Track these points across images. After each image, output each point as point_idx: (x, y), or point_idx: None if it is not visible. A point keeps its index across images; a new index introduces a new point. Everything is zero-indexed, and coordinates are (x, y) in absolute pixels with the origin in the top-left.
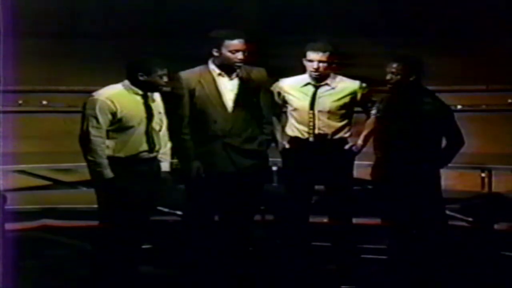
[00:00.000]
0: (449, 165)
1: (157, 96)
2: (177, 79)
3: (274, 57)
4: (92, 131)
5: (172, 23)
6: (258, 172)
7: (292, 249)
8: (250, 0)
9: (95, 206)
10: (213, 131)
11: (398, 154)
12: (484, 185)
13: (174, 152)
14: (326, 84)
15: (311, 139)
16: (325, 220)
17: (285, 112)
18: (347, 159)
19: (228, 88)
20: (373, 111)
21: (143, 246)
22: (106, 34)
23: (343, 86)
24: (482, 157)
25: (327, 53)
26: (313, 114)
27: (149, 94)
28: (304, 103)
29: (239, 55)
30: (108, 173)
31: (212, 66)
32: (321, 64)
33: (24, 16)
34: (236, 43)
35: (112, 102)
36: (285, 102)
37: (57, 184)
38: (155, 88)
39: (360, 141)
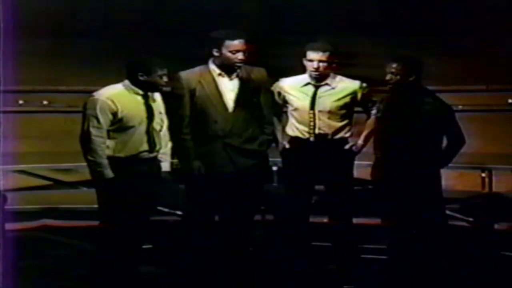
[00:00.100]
0: (450, 165)
1: (157, 96)
2: (177, 79)
3: (274, 57)
4: (93, 131)
5: (172, 23)
6: (258, 172)
7: (292, 249)
8: (250, 0)
9: (95, 206)
10: (214, 131)
11: (398, 154)
12: (484, 185)
13: (175, 152)
14: (326, 84)
15: (311, 139)
16: (325, 220)
17: (286, 112)
18: (347, 159)
19: (229, 88)
20: (373, 111)
21: (143, 246)
22: (106, 34)
23: (343, 86)
24: (482, 157)
25: (327, 53)
26: (314, 114)
27: (149, 94)
28: (305, 103)
29: (240, 56)
30: (109, 173)
31: (212, 66)
32: (321, 64)
33: (24, 16)
34: (237, 43)
35: (113, 102)
36: (285, 102)
37: (57, 184)
38: (156, 88)
39: (360, 141)
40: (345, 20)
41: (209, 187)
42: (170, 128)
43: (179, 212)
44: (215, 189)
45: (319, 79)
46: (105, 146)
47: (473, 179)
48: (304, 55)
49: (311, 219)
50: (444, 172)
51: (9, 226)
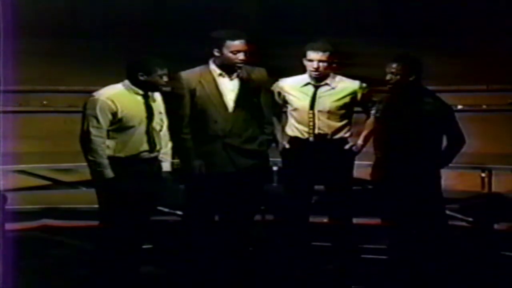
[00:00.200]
0: (450, 165)
1: (157, 96)
2: (177, 79)
3: (274, 57)
4: (93, 131)
5: (172, 23)
6: (258, 172)
7: (292, 249)
8: (250, 0)
9: (95, 206)
10: (214, 131)
11: (398, 154)
12: (484, 185)
13: (175, 152)
14: (326, 84)
15: (311, 139)
16: (325, 220)
17: (285, 112)
18: (347, 159)
19: (229, 88)
20: (373, 111)
21: (143, 246)
22: (106, 34)
23: (343, 86)
24: (482, 157)
25: (327, 53)
26: (313, 114)
27: (149, 94)
28: (304, 103)
29: (240, 56)
30: (109, 173)
31: (212, 66)
32: (321, 64)
33: (24, 16)
34: (237, 43)
35: (113, 102)
36: (285, 102)
37: (57, 184)
38: (156, 88)
39: (360, 141)
40: (345, 20)
41: (209, 187)
42: (170, 128)
43: (179, 212)
44: (215, 189)
45: (319, 79)
46: (105, 146)
47: (473, 179)
48: (304, 55)
49: (311, 219)
50: (444, 172)
51: (9, 226)
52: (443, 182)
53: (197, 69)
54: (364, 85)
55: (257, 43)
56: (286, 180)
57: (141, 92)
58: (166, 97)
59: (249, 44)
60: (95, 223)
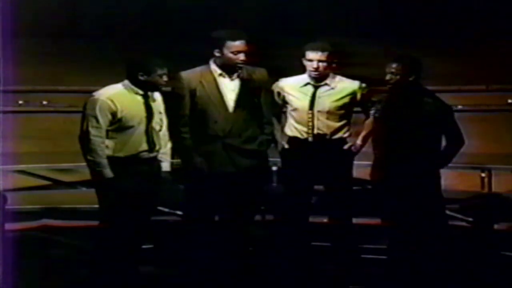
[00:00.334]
0: (449, 165)
1: (157, 95)
2: (178, 79)
3: (274, 57)
4: (92, 131)
5: (172, 23)
6: (258, 172)
7: (292, 249)
8: (250, 0)
9: (95, 206)
10: (214, 131)
11: (398, 154)
12: (484, 185)
13: (175, 152)
14: (326, 84)
15: (310, 139)
16: (325, 220)
17: (285, 112)
18: (346, 159)
19: (229, 88)
20: (373, 111)
21: (143, 246)
22: (106, 34)
23: (342, 86)
24: (482, 157)
25: (326, 53)
26: (312, 114)
27: (149, 93)
28: (304, 103)
29: (241, 56)
30: (108, 172)
31: (213, 66)
32: (320, 64)
33: (24, 16)
34: (238, 44)
35: (113, 102)
36: (285, 102)
37: (57, 184)
38: (156, 87)
39: (359, 141)
40: (345, 20)
41: (209, 187)
42: (170, 127)
43: (179, 212)
44: (215, 189)
45: (319, 79)
46: (105, 146)
47: (473, 179)
48: (304, 55)
49: (311, 219)
50: (444, 172)
51: (9, 226)
52: (443, 182)
53: (198, 69)
54: (363, 85)
55: (257, 43)
56: (285, 180)
57: (141, 92)
58: (166, 97)
59: (250, 45)
60: (95, 223)
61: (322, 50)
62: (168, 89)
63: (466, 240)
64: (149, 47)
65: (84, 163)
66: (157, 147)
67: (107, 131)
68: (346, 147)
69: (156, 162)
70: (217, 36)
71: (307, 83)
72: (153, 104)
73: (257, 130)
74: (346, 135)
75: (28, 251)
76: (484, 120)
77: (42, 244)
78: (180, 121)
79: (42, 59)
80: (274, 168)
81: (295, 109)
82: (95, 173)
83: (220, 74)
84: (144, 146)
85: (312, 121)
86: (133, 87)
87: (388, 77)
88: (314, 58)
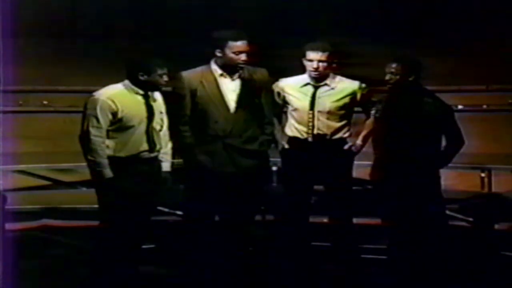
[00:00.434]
0: (449, 165)
1: (158, 95)
2: (178, 79)
3: (274, 57)
4: (92, 130)
5: (172, 23)
6: (258, 172)
7: (292, 249)
8: (250, 0)
9: (95, 206)
10: (214, 131)
11: (398, 154)
12: (484, 185)
13: (176, 151)
14: (326, 84)
15: (309, 139)
16: (325, 220)
17: (285, 112)
18: (346, 159)
19: (230, 88)
20: (373, 111)
21: (143, 246)
22: (106, 34)
23: (342, 87)
24: (482, 157)
25: (326, 53)
26: (313, 114)
27: (150, 93)
28: (304, 103)
29: (243, 57)
30: (108, 172)
31: (214, 67)
32: (320, 64)
33: (24, 16)
34: (240, 44)
35: (113, 101)
36: (285, 102)
37: (57, 184)
38: (156, 87)
39: (359, 141)
40: (345, 20)
41: (209, 187)
42: (171, 127)
43: (179, 212)
44: (215, 189)
45: (319, 79)
46: (105, 146)
47: (472, 179)
48: (304, 55)
49: (311, 219)
50: (443, 172)
51: (9, 226)
52: (443, 182)
53: (199, 69)
54: (363, 85)
55: (257, 43)
56: (285, 180)
57: (141, 92)
58: (167, 97)
59: (251, 45)
60: (95, 223)
61: (323, 50)
62: (169, 89)
63: (466, 240)
64: (149, 47)
65: (84, 163)
66: (157, 147)
67: (108, 131)
68: (346, 147)
69: (156, 162)
70: (219, 36)
71: (307, 83)
72: (153, 104)
73: (257, 130)
74: (346, 135)
75: (28, 251)
76: (484, 120)
77: (42, 244)
78: (181, 120)
79: (42, 59)
80: (274, 168)
81: (295, 109)
82: (95, 173)
83: (221, 74)
84: (145, 146)
85: (313, 121)
86: (133, 87)
87: (387, 77)
88: (314, 58)
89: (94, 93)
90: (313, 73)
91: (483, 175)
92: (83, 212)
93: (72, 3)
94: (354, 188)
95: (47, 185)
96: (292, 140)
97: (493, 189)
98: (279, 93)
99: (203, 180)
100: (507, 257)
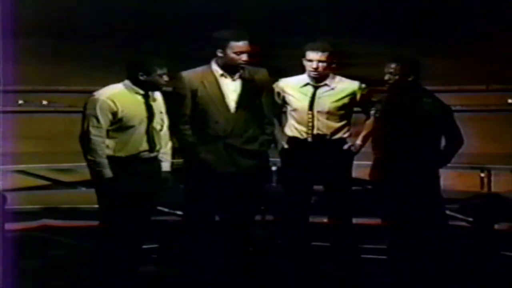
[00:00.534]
0: (449, 165)
1: (158, 95)
2: (179, 79)
3: (274, 57)
4: (92, 130)
5: (172, 24)
6: (258, 173)
7: (292, 249)
8: (251, 0)
9: (95, 206)
10: (215, 132)
11: (397, 154)
12: (484, 185)
13: (177, 150)
14: (326, 84)
15: (309, 139)
16: (325, 220)
17: (285, 112)
18: (346, 159)
19: (231, 88)
20: (373, 112)
21: (144, 246)
22: (106, 34)
23: (342, 87)
24: (481, 157)
25: (326, 53)
26: (312, 114)
27: (150, 93)
28: (304, 103)
29: (244, 57)
30: (108, 172)
31: (215, 67)
32: (320, 64)
33: (24, 16)
34: (241, 44)
35: (113, 101)
36: (285, 103)
37: (57, 184)
38: (156, 87)
39: (358, 141)
40: (345, 20)
41: (209, 187)
42: (171, 127)
43: (179, 212)
44: (215, 189)
45: (318, 79)
46: (105, 146)
47: (472, 179)
48: (304, 55)
49: (311, 219)
50: (443, 172)
51: (9, 226)
52: (442, 182)
53: (199, 69)
54: (363, 85)
55: (258, 43)
56: (285, 180)
57: (141, 91)
58: (167, 97)
59: (253, 45)
60: (95, 223)
61: (322, 50)
62: (169, 89)
63: (466, 240)
64: (149, 47)
65: (84, 163)
66: (157, 147)
67: (108, 131)
68: (345, 147)
69: (156, 162)
70: (220, 37)
71: (307, 84)
72: (153, 104)
73: (258, 131)
74: (346, 135)
75: (28, 251)
76: (484, 120)
77: (42, 244)
78: (181, 120)
79: (42, 59)
80: (274, 168)
81: (295, 110)
82: (95, 173)
83: (222, 75)
84: (145, 146)
85: (312, 122)
86: (133, 87)
87: (387, 77)
88: (314, 58)
89: (94, 93)
90: (312, 73)
91: (482, 175)
92: (83, 212)
93: (72, 3)
94: (353, 188)
95: (47, 185)
96: (292, 140)
97: (493, 189)
98: (279, 93)
99: (203, 180)
100: (507, 257)
